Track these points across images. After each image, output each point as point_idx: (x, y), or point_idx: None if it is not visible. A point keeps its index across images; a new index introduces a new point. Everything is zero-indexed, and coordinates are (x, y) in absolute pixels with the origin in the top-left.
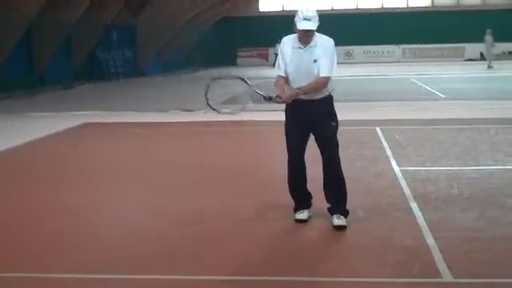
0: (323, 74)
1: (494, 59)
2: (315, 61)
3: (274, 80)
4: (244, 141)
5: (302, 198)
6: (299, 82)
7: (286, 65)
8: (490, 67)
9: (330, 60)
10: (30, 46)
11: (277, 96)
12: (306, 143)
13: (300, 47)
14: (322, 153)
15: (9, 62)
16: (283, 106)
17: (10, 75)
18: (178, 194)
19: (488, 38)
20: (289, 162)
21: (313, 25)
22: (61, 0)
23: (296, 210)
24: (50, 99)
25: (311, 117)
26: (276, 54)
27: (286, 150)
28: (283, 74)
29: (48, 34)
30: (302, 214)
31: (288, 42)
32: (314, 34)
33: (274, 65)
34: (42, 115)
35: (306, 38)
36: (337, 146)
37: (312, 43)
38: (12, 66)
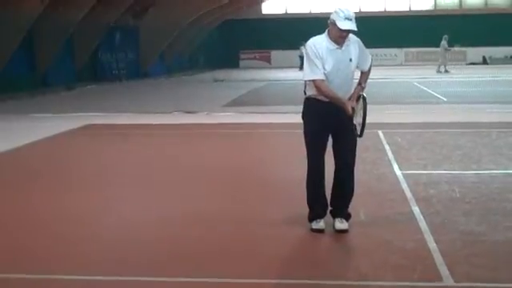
0: (368, 65)
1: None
2: (351, 60)
3: (315, 84)
4: (248, 143)
5: (320, 205)
6: (336, 82)
7: (323, 67)
8: (439, 72)
9: (368, 53)
10: (33, 46)
11: (352, 109)
12: (326, 147)
13: (337, 48)
14: (338, 156)
15: (11, 63)
16: (291, 108)
17: (12, 76)
18: (182, 196)
19: (443, 43)
20: (311, 168)
21: (354, 25)
22: (64, 1)
23: (312, 219)
24: (52, 100)
25: (339, 118)
26: (301, 57)
27: (308, 156)
28: (324, 77)
29: (51, 35)
30: (320, 224)
31: (320, 44)
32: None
33: (300, 68)
34: (44, 116)
35: (343, 38)
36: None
37: (346, 42)
38: (14, 67)
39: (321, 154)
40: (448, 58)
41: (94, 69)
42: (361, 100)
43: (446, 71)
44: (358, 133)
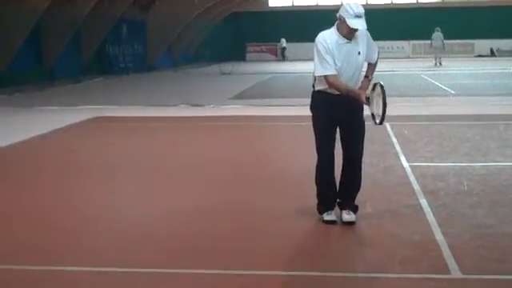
0: (375, 57)
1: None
2: (359, 52)
3: (327, 79)
4: (256, 136)
5: (330, 197)
6: (346, 75)
7: (334, 62)
8: (437, 64)
9: (375, 44)
10: (40, 40)
11: (367, 98)
12: (335, 139)
13: (347, 42)
14: (346, 148)
15: (19, 56)
16: (298, 101)
17: (19, 69)
18: (189, 189)
19: (438, 35)
20: (321, 160)
21: (364, 22)
22: None
23: (323, 210)
24: (59, 93)
25: (348, 110)
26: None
27: (317, 148)
28: (335, 72)
29: (58, 28)
30: (331, 216)
31: (330, 38)
32: None
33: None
34: (51, 109)
35: (352, 34)
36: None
37: (355, 35)
38: (22, 60)
39: (330, 146)
40: (442, 50)
41: (101, 62)
42: (378, 88)
43: (436, 65)
44: (377, 121)
